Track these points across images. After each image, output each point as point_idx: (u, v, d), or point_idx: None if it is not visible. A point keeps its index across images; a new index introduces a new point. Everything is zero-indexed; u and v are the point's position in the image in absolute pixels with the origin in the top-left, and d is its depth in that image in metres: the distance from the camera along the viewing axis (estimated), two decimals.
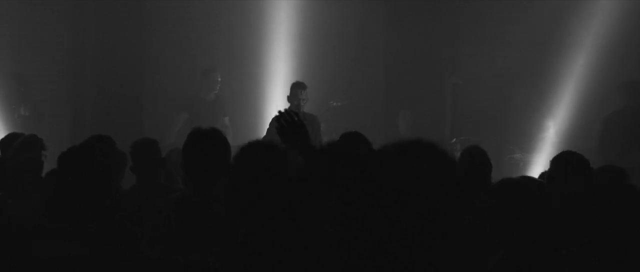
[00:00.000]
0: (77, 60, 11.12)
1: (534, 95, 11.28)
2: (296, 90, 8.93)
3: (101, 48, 11.03)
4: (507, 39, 11.58)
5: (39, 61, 10.89)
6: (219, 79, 10.64)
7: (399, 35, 11.68)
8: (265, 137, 8.77)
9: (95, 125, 10.20)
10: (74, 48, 11.11)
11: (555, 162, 4.67)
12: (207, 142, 4.10)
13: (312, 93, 11.22)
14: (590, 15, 11.00)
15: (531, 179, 3.86)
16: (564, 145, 10.51)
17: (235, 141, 9.01)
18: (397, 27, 11.74)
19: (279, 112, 3.76)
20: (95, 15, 11.03)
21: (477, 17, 11.72)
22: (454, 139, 10.63)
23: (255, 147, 3.36)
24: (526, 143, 10.97)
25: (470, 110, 11.43)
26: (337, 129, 11.18)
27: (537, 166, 10.38)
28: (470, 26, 11.76)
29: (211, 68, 10.71)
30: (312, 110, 10.96)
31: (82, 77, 11.17)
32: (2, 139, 6.14)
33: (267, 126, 9.07)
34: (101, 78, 11.01)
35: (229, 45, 11.40)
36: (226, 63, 11.22)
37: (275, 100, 10.84)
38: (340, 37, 11.70)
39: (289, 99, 8.99)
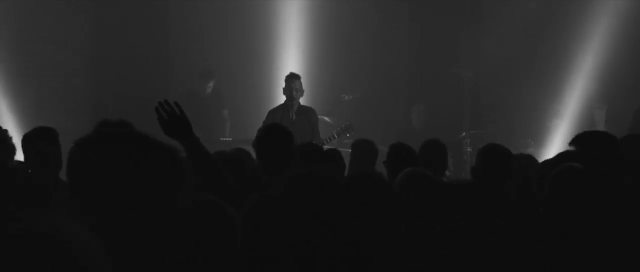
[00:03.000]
0: (98, 54, 11.32)
1: (545, 86, 11.13)
2: (288, 82, 8.94)
3: (120, 43, 11.22)
4: (527, 31, 11.40)
5: (60, 54, 11.14)
6: (209, 85, 10.74)
7: (421, 30, 11.59)
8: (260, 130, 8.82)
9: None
10: (95, 42, 11.31)
11: (478, 155, 4.62)
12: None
13: (327, 88, 11.27)
14: (602, 7, 10.79)
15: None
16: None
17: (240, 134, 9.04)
18: (418, 20, 11.64)
19: (159, 103, 3.70)
20: (115, 9, 11.23)
21: (498, 9, 11.56)
22: (464, 133, 10.50)
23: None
24: (540, 136, 10.78)
25: (487, 104, 11.30)
26: (355, 122, 11.25)
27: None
28: (491, 18, 11.59)
29: (205, 73, 10.80)
30: (326, 104, 10.99)
31: (102, 71, 11.36)
32: None
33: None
34: (120, 73, 11.19)
35: (244, 41, 11.47)
36: (241, 59, 11.31)
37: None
38: (360, 31, 11.67)
39: (284, 90, 9.01)
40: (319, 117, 10.35)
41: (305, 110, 9.01)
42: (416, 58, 11.63)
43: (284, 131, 4.70)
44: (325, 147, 8.62)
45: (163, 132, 3.74)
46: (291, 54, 11.45)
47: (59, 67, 11.10)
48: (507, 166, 4.52)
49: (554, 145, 10.49)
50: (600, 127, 9.71)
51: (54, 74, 11.06)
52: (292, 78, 8.96)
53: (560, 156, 4.04)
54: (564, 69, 11.01)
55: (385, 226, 3.82)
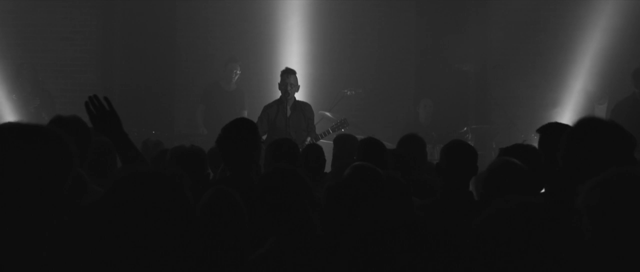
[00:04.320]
0: (105, 50, 11.41)
1: (549, 80, 11.08)
2: (284, 77, 8.96)
3: (129, 39, 11.30)
4: (539, 24, 11.35)
5: (68, 51, 11.25)
6: (237, 71, 10.67)
7: (428, 24, 11.54)
8: None
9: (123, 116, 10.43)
10: (102, 38, 11.39)
11: (442, 152, 4.56)
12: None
13: (331, 83, 11.26)
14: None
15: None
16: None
17: None
18: (426, 15, 11.58)
19: (89, 97, 3.66)
20: (124, 6, 11.32)
21: (504, 3, 11.48)
22: (465, 128, 10.43)
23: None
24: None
25: (492, 97, 11.23)
26: (364, 118, 11.24)
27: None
28: (497, 11, 11.51)
29: (230, 59, 10.77)
30: (329, 100, 10.98)
31: (110, 67, 11.45)
32: None
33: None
34: (129, 69, 11.27)
35: (247, 36, 11.48)
36: (246, 53, 11.32)
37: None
38: (365, 26, 11.64)
39: (279, 85, 9.04)
40: (321, 112, 10.37)
41: (301, 105, 9.04)
42: (422, 52, 11.56)
43: (242, 128, 4.70)
44: (320, 141, 8.66)
45: (94, 128, 3.74)
46: (295, 50, 11.45)
47: (66, 62, 11.21)
48: (471, 163, 4.45)
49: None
50: None
51: (61, 69, 11.18)
52: (287, 73, 8.98)
53: (508, 149, 4.01)
54: (565, 61, 10.97)
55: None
